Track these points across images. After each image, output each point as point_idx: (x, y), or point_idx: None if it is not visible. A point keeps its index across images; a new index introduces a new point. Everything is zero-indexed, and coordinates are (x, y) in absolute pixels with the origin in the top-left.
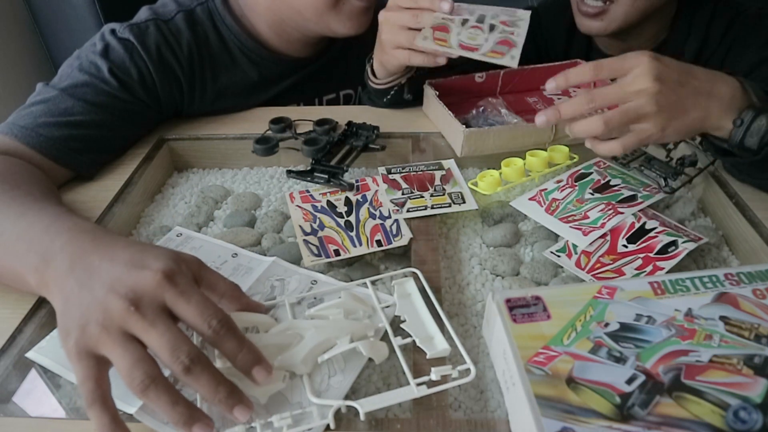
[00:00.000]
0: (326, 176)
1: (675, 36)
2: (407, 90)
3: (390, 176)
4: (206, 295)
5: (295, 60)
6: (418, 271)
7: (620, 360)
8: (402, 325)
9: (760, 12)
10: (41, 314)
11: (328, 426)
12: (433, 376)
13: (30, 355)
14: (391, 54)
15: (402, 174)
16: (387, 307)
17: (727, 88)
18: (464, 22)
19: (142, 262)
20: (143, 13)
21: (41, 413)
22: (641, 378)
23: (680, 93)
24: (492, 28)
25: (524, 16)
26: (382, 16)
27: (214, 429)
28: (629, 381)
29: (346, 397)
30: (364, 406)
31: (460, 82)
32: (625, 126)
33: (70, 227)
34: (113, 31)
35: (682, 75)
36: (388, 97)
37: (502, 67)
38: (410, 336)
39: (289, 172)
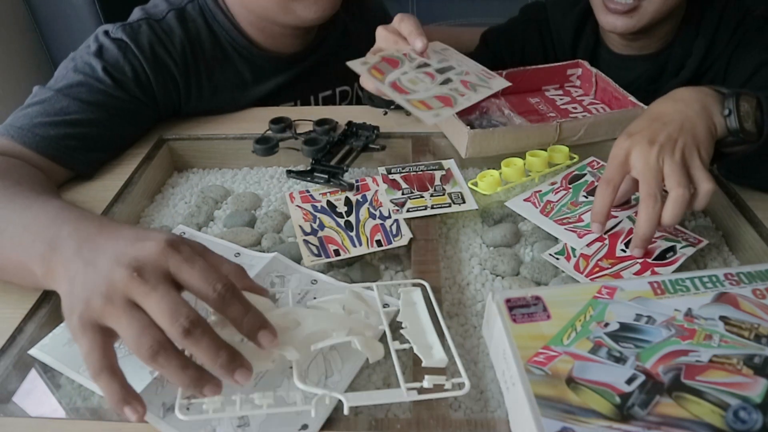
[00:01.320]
0: (326, 176)
1: (683, 36)
2: None
3: (390, 176)
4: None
5: (286, 56)
6: (426, 284)
7: (620, 360)
8: (402, 331)
9: (766, 14)
10: (42, 313)
11: (325, 426)
12: (426, 384)
13: (32, 352)
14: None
15: (402, 174)
16: (387, 306)
17: (701, 95)
18: (422, 65)
19: (146, 236)
20: (135, 14)
21: (41, 413)
22: (641, 378)
23: (672, 123)
24: (446, 81)
25: (497, 86)
26: (377, 32)
27: (221, 390)
28: (629, 381)
29: None
30: (350, 399)
31: None
32: (684, 173)
33: (76, 216)
34: (106, 32)
35: (655, 116)
36: (391, 107)
37: (509, 68)
38: (408, 342)
39: (289, 172)
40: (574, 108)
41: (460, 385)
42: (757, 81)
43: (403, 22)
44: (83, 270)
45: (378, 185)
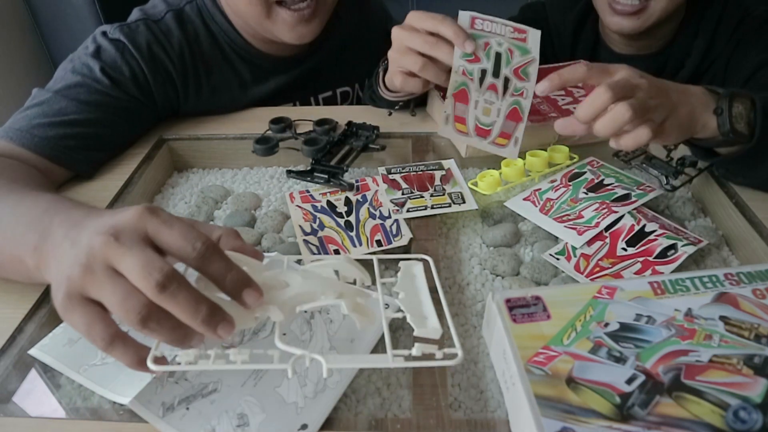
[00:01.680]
0: (326, 176)
1: (683, 36)
2: (413, 107)
3: (390, 176)
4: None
5: (285, 57)
6: (430, 260)
7: (620, 360)
8: (396, 300)
9: (766, 14)
10: (42, 314)
11: (325, 426)
12: (415, 352)
13: (32, 352)
14: (392, 73)
15: (402, 174)
16: (385, 282)
17: (695, 89)
18: (482, 74)
19: (127, 208)
20: (134, 15)
21: (41, 413)
22: (641, 378)
23: (663, 92)
24: (506, 83)
25: (533, 42)
26: (395, 32)
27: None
28: (629, 381)
29: (342, 399)
30: (329, 361)
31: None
32: (644, 114)
33: (67, 207)
34: (104, 33)
35: (655, 80)
36: (395, 108)
37: None
38: (401, 311)
39: (289, 172)
40: (575, 108)
41: (453, 355)
42: (757, 81)
43: (443, 25)
44: (69, 250)
45: (378, 185)
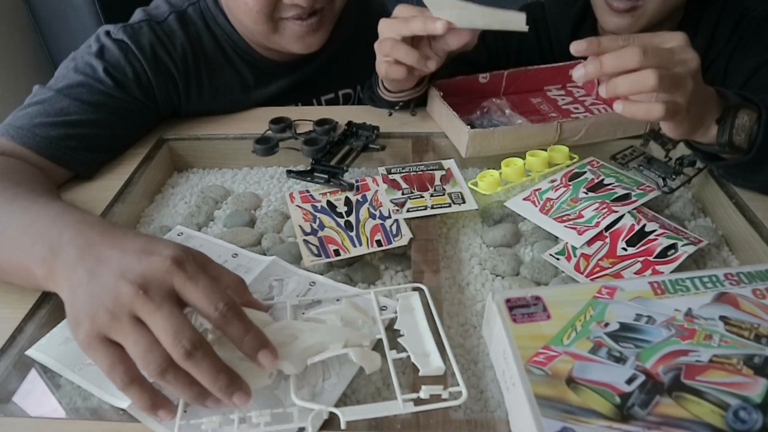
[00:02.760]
0: (326, 176)
1: None
2: (413, 107)
3: (390, 176)
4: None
5: (288, 60)
6: (425, 288)
7: (620, 360)
8: (399, 339)
9: (766, 15)
10: (41, 314)
11: (324, 426)
12: (422, 395)
13: (30, 353)
14: (377, 62)
15: (402, 174)
16: (385, 309)
17: (709, 90)
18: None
19: (151, 249)
20: (137, 15)
21: (41, 413)
22: (641, 378)
23: (696, 80)
24: None
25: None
26: (380, 24)
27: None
28: (629, 381)
29: (341, 399)
30: (346, 414)
31: (464, 83)
32: (669, 90)
33: (77, 219)
34: (108, 33)
35: (698, 63)
36: (395, 108)
37: (506, 67)
38: (406, 351)
39: (289, 172)
40: (576, 108)
41: (458, 394)
42: (757, 82)
43: (414, 20)
44: (87, 281)
45: (378, 185)
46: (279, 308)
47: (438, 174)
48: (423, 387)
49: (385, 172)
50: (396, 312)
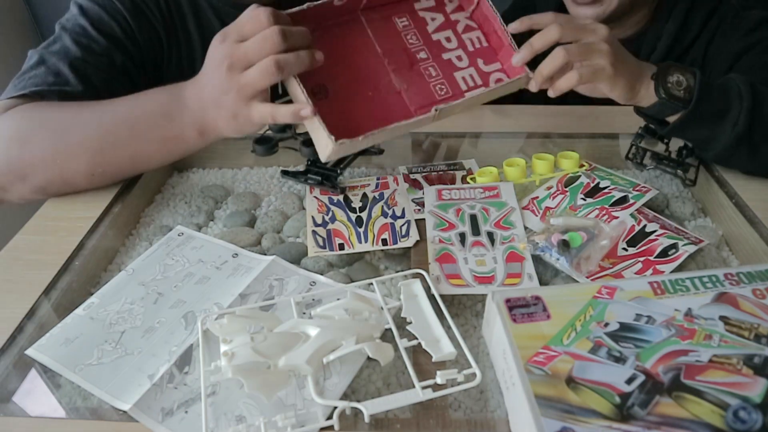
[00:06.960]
0: (319, 178)
1: (655, 22)
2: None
3: (411, 176)
4: None
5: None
6: (424, 273)
7: (620, 360)
8: (408, 327)
9: (742, 2)
10: (41, 314)
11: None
12: (439, 380)
13: (29, 352)
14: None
15: (423, 174)
16: (391, 308)
17: (647, 63)
18: (462, 236)
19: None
20: None
21: (41, 413)
22: (641, 378)
23: (615, 47)
24: (491, 236)
25: (507, 189)
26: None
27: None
28: (629, 381)
29: (343, 399)
30: (369, 408)
31: (315, 12)
32: (582, 56)
33: (179, 86)
34: None
35: (615, 42)
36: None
37: None
38: (416, 338)
39: (284, 172)
40: (447, 39)
41: (472, 376)
42: (739, 69)
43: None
44: (209, 84)
45: (398, 185)
46: (282, 306)
47: (459, 174)
48: (438, 372)
49: (406, 171)
50: (400, 299)
